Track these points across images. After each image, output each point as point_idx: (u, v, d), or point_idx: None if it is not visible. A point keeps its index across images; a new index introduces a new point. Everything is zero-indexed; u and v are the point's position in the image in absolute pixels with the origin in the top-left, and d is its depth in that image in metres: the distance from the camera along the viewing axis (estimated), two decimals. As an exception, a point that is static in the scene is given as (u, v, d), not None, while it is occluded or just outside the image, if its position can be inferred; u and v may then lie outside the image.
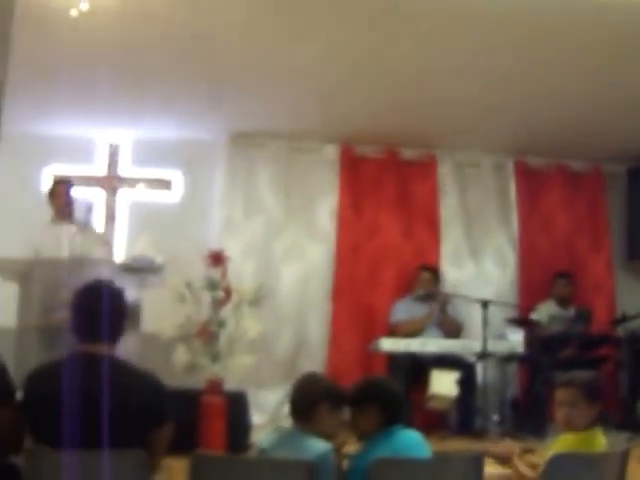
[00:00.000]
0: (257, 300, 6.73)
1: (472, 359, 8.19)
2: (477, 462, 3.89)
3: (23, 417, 3.69)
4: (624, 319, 8.79)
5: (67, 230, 7.31)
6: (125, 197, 9.22)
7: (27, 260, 6.79)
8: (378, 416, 4.09)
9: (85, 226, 7.27)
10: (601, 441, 4.17)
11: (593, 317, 9.05)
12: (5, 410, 3.69)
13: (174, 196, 9.25)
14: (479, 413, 8.02)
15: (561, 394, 4.27)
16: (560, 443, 4.12)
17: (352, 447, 4.31)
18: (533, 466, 4.18)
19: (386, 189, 9.43)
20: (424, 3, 6.18)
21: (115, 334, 3.81)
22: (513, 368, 8.86)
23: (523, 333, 8.48)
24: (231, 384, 6.75)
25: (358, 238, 9.29)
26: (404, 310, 8.81)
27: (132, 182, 9.22)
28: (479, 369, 8.14)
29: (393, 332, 8.62)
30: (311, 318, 9.17)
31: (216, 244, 7.95)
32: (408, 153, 9.56)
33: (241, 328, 6.62)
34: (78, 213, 7.46)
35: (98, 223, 8.63)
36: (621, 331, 8.97)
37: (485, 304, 8.17)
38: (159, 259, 6.91)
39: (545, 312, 8.88)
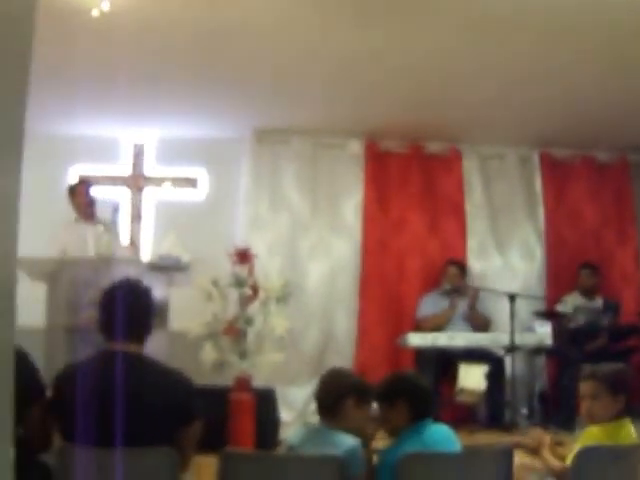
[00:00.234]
0: (284, 297, 6.73)
1: (500, 352, 8.18)
2: (506, 455, 3.87)
3: (52, 416, 3.70)
4: (652, 309, 8.76)
5: (93, 230, 7.34)
6: (151, 196, 9.25)
7: (54, 260, 6.81)
8: (407, 411, 4.07)
9: (111, 226, 7.31)
10: (629, 432, 4.15)
11: (621, 308, 8.99)
12: (35, 409, 3.70)
13: (199, 194, 9.27)
14: (508, 406, 7.99)
15: (584, 387, 4.27)
16: (586, 436, 4.11)
17: (381, 442, 4.30)
18: (562, 458, 4.17)
19: (411, 183, 9.42)
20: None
21: (143, 333, 3.83)
22: (541, 361, 8.83)
23: (551, 325, 8.44)
24: (259, 381, 6.75)
25: (384, 233, 9.28)
26: (430, 305, 8.80)
27: (157, 181, 9.25)
28: (507, 362, 8.12)
29: (418, 327, 8.60)
30: (338, 314, 9.16)
31: (242, 241, 7.96)
32: (433, 147, 9.55)
33: (269, 325, 6.62)
34: (104, 213, 7.49)
35: (124, 223, 8.66)
36: (650, 322, 8.92)
37: (512, 297, 8.14)
38: (185, 257, 6.91)
39: (570, 304, 8.85)
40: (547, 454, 4.24)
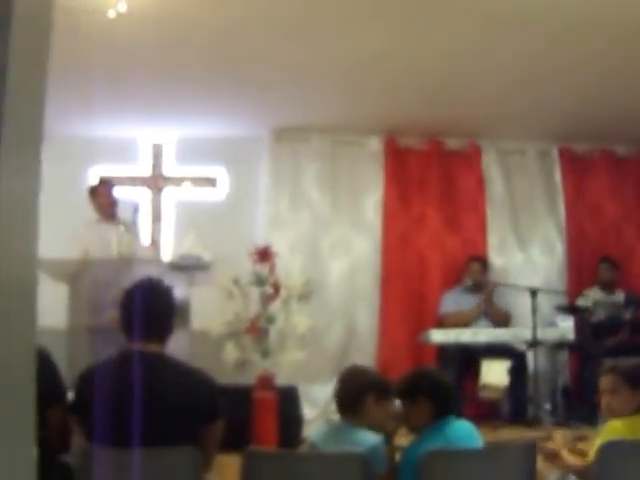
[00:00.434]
0: (306, 295, 6.73)
1: (522, 348, 8.16)
2: (530, 451, 3.86)
3: (74, 416, 3.71)
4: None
5: (114, 230, 7.36)
6: (170, 196, 9.27)
7: (76, 261, 6.83)
8: (429, 408, 4.06)
9: (132, 226, 7.33)
10: (650, 426, 4.14)
11: (643, 303, 8.96)
12: (57, 409, 3.71)
13: (219, 193, 9.28)
14: (531, 402, 7.98)
15: (603, 382, 4.27)
16: (607, 430, 4.10)
17: (404, 439, 4.30)
18: (582, 455, 4.16)
19: (431, 180, 9.41)
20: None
21: (165, 332, 3.83)
22: (564, 355, 8.80)
23: (573, 320, 8.41)
24: (282, 379, 6.76)
25: (405, 229, 9.27)
26: (453, 301, 8.79)
27: (177, 181, 9.27)
28: (530, 357, 8.11)
29: (442, 324, 8.59)
30: (360, 311, 9.16)
31: (262, 240, 7.97)
32: (452, 143, 9.53)
33: (290, 323, 6.63)
34: (124, 213, 7.51)
35: (144, 223, 8.69)
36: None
37: (534, 292, 8.12)
38: (206, 257, 6.93)
39: (592, 298, 8.82)
40: (566, 455, 4.23)
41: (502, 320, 8.63)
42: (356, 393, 4.08)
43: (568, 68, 7.37)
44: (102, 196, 7.72)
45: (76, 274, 6.65)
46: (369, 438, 3.86)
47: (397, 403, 4.26)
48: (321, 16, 6.41)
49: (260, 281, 6.69)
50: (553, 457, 4.30)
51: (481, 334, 8.14)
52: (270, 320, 6.59)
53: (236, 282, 6.66)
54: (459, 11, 6.34)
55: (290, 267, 8.43)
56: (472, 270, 8.86)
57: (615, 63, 7.26)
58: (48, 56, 1.90)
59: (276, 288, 6.68)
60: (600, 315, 8.64)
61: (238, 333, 6.56)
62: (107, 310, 6.20)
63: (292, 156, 9.29)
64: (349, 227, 9.30)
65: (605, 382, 4.26)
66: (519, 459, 3.84)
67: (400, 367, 8.05)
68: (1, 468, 1.57)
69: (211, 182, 9.29)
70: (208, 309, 6.58)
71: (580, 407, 7.93)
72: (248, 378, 6.58)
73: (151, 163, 9.25)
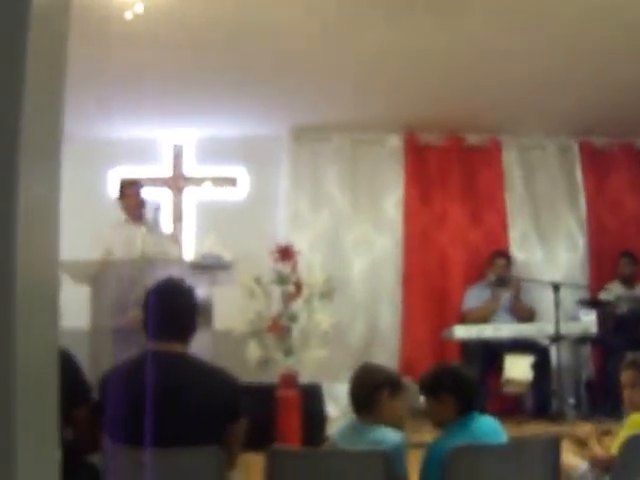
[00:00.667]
0: (328, 293, 6.74)
1: (545, 342, 8.14)
2: (554, 445, 3.85)
3: (98, 417, 3.73)
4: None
5: (138, 231, 7.38)
6: (191, 196, 9.29)
7: (96, 262, 6.85)
8: (453, 404, 4.06)
9: (155, 226, 7.35)
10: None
11: (663, 296, 8.92)
12: (81, 410, 3.73)
13: (240, 193, 9.29)
14: (555, 396, 7.96)
15: (624, 376, 4.29)
16: (630, 424, 4.11)
17: (428, 435, 4.29)
18: (608, 449, 4.16)
19: (451, 176, 9.40)
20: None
21: (187, 332, 3.84)
22: (587, 350, 8.77)
23: (595, 314, 8.39)
24: (305, 377, 6.76)
25: (426, 226, 9.27)
26: (475, 297, 8.77)
27: (198, 181, 9.29)
28: (553, 352, 8.08)
29: (464, 319, 8.58)
30: (382, 308, 9.16)
31: (283, 239, 7.97)
32: (472, 139, 9.51)
33: (313, 321, 6.63)
34: (148, 214, 7.53)
35: (166, 223, 8.71)
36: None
37: (556, 287, 8.10)
38: (228, 256, 6.93)
39: (614, 292, 8.78)
40: (594, 444, 4.23)
41: (527, 316, 8.62)
42: (370, 391, 4.09)
43: (587, 60, 7.34)
44: (130, 197, 7.72)
45: (97, 275, 6.67)
46: (390, 437, 3.85)
47: (421, 399, 4.26)
48: (340, 14, 6.41)
49: (282, 279, 6.70)
50: (582, 444, 4.31)
51: (504, 329, 8.13)
52: (292, 318, 6.60)
53: (258, 281, 6.67)
54: (473, 5, 6.34)
55: (311, 265, 8.43)
56: (497, 265, 8.83)
57: (634, 55, 7.22)
58: (66, 58, 1.91)
59: (298, 286, 6.69)
60: (622, 309, 8.60)
61: (261, 332, 6.57)
62: (130, 311, 6.21)
63: (312, 155, 9.30)
64: (370, 225, 9.30)
65: (626, 377, 4.27)
66: (543, 454, 3.83)
67: (423, 363, 8.05)
68: (25, 470, 1.57)
69: (231, 182, 9.31)
70: (230, 308, 6.58)
71: (604, 401, 7.89)
72: (271, 377, 6.59)
73: (172, 164, 9.28)
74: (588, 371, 8.79)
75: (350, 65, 7.43)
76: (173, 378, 3.60)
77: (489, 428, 4.09)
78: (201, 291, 5.85)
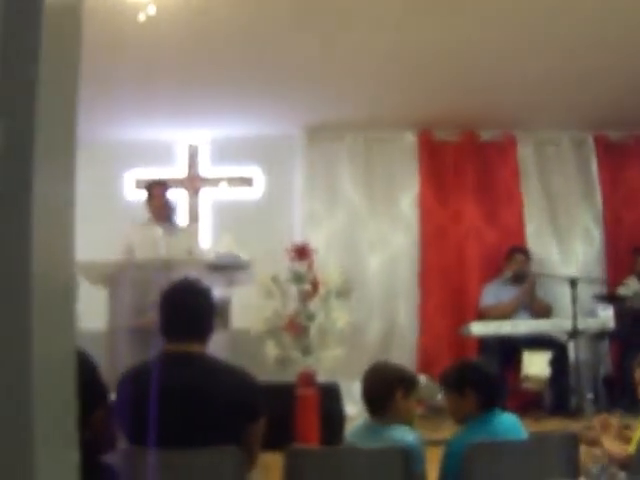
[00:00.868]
0: (345, 291, 6.74)
1: (563, 338, 8.12)
2: (572, 441, 3.84)
3: (116, 418, 3.73)
4: None
5: (161, 231, 7.42)
6: (207, 197, 9.30)
7: (114, 263, 6.86)
8: (476, 399, 4.05)
9: (176, 226, 7.41)
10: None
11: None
12: (99, 412, 3.74)
13: (255, 193, 9.30)
14: (573, 392, 7.93)
15: (637, 373, 4.26)
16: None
17: (446, 432, 4.29)
18: (629, 441, 4.14)
19: (467, 172, 9.38)
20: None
21: (205, 332, 3.83)
22: (605, 345, 8.74)
23: (613, 309, 8.36)
24: (323, 376, 6.76)
25: (442, 223, 9.26)
26: (493, 294, 8.76)
27: (214, 181, 9.31)
28: (571, 348, 8.06)
29: (483, 316, 8.56)
30: (399, 306, 9.16)
31: (300, 238, 7.98)
32: (487, 135, 9.49)
33: (330, 320, 6.63)
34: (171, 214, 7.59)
35: (183, 223, 8.73)
36: None
37: (573, 282, 8.08)
38: (244, 256, 6.93)
39: (632, 287, 8.75)
40: (608, 442, 4.21)
41: (544, 312, 8.59)
42: (384, 392, 4.06)
43: (601, 52, 7.31)
44: (156, 197, 7.74)
45: (114, 276, 6.68)
46: (406, 435, 3.85)
47: (439, 396, 4.26)
48: (352, 13, 6.41)
49: (298, 278, 6.70)
50: (594, 444, 4.29)
51: (521, 326, 8.12)
52: (309, 317, 6.60)
53: (275, 280, 6.67)
54: (492, 3, 6.33)
55: (328, 264, 8.43)
56: (516, 261, 8.80)
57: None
58: (79, 60, 1.91)
59: (314, 285, 6.69)
60: (638, 305, 8.57)
61: (278, 331, 6.57)
62: (148, 311, 6.22)
63: (326, 154, 9.32)
64: (386, 223, 9.31)
65: (638, 374, 4.26)
66: (562, 450, 3.82)
67: (441, 361, 8.06)
68: (44, 471, 1.58)
69: (247, 182, 9.33)
70: (248, 308, 6.60)
71: (622, 396, 7.87)
72: (289, 376, 6.59)
73: (187, 164, 9.30)
74: (606, 366, 8.76)
75: (363, 63, 7.43)
76: (191, 378, 3.60)
77: (510, 425, 4.08)
78: (218, 291, 5.86)
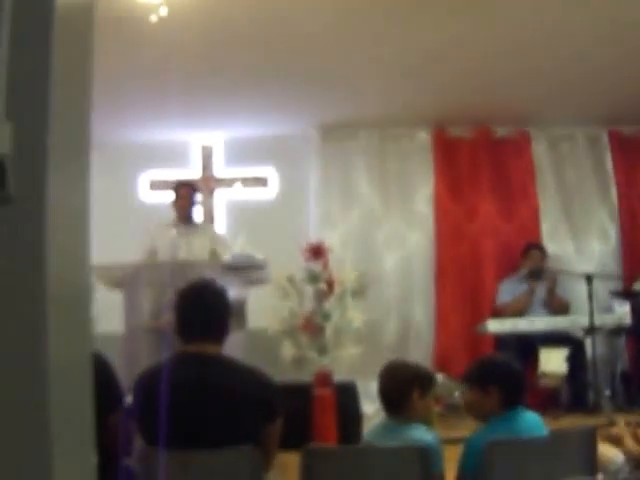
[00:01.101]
0: (360, 290, 6.73)
1: (580, 334, 8.09)
2: (590, 438, 3.82)
3: (133, 419, 3.74)
4: None
5: (185, 232, 7.46)
6: (222, 197, 9.31)
7: (129, 265, 6.87)
8: (499, 396, 4.00)
9: (200, 227, 7.47)
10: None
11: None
12: (116, 414, 3.74)
13: (270, 193, 9.31)
14: (590, 389, 7.90)
15: None
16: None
17: (464, 431, 4.26)
18: None
19: (481, 169, 9.36)
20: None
21: (221, 333, 3.83)
22: (622, 341, 8.71)
23: (629, 304, 8.33)
24: (340, 375, 6.75)
25: (457, 220, 9.24)
26: (508, 291, 8.72)
27: (228, 182, 9.32)
28: (588, 344, 8.03)
29: (499, 314, 8.53)
30: (415, 304, 9.15)
31: (315, 237, 7.97)
32: (501, 131, 9.47)
33: (346, 319, 6.62)
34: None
35: (205, 224, 8.78)
36: None
37: (589, 278, 8.04)
38: (260, 256, 6.93)
39: (648, 282, 8.74)
40: (628, 440, 4.19)
41: (562, 310, 8.55)
42: (400, 391, 4.04)
43: (613, 47, 7.28)
44: (182, 198, 7.78)
45: (130, 278, 6.68)
46: (424, 434, 3.83)
47: (456, 394, 4.24)
48: (366, 11, 6.40)
49: (314, 278, 6.70)
50: (616, 441, 4.26)
51: (538, 322, 8.09)
52: (325, 316, 6.59)
53: (290, 280, 6.67)
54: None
55: (343, 263, 8.43)
56: (533, 257, 8.76)
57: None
58: (92, 62, 1.91)
59: (330, 284, 6.68)
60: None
61: (294, 331, 6.57)
62: (164, 313, 6.23)
63: (341, 152, 9.31)
64: (401, 221, 9.29)
65: None
66: (579, 446, 3.80)
67: (458, 358, 8.06)
68: (61, 473, 1.58)
69: (261, 182, 9.33)
70: (264, 308, 6.59)
71: (639, 392, 7.86)
72: (305, 376, 6.59)
73: (201, 165, 9.31)
74: (623, 362, 8.73)
75: (376, 61, 7.42)
76: (207, 379, 3.60)
77: (532, 424, 4.02)
78: (234, 291, 5.86)
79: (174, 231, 7.55)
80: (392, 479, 3.64)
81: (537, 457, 3.71)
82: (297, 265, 6.82)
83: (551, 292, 8.55)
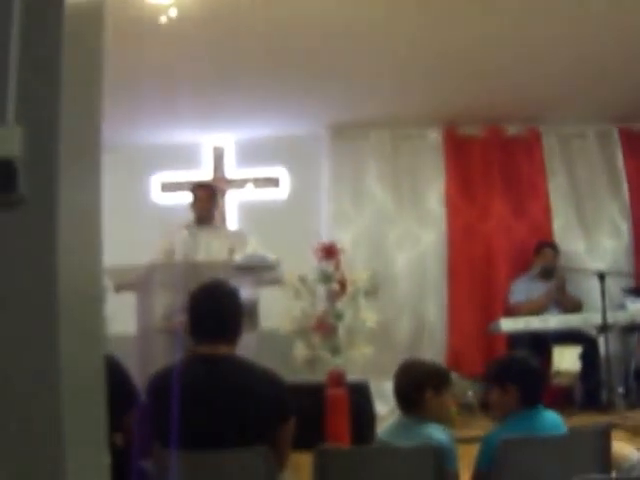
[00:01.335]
0: (372, 290, 6.73)
1: (593, 332, 8.07)
2: (604, 435, 3.82)
3: (146, 421, 3.74)
4: None
5: (204, 232, 7.47)
6: (234, 198, 9.32)
7: (142, 266, 6.88)
8: (519, 395, 3.99)
9: (217, 228, 7.49)
10: None
11: None
12: (129, 416, 3.75)
13: (282, 193, 9.31)
14: (604, 386, 7.88)
15: None
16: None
17: (479, 430, 4.26)
18: None
19: (493, 167, 9.34)
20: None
21: (233, 334, 3.84)
22: (635, 338, 8.69)
23: (642, 302, 8.33)
24: (353, 375, 6.76)
25: (469, 219, 9.22)
26: (522, 290, 8.70)
27: (240, 183, 9.32)
28: (601, 342, 8.01)
29: (513, 313, 8.51)
30: (428, 303, 9.13)
31: (327, 237, 7.98)
32: (512, 129, 9.45)
33: (358, 319, 6.62)
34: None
35: (222, 225, 8.81)
36: None
37: (602, 276, 8.03)
38: (272, 256, 6.94)
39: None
40: None
41: (574, 308, 8.53)
42: (415, 389, 4.03)
43: (622, 43, 7.26)
44: (201, 200, 7.77)
45: (143, 280, 6.69)
46: (439, 433, 3.83)
47: (469, 393, 4.23)
48: (376, 11, 6.39)
49: (326, 278, 6.70)
50: (636, 432, 4.26)
51: (551, 321, 8.07)
52: (338, 316, 6.60)
53: (303, 280, 6.68)
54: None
55: (355, 263, 8.43)
56: (545, 255, 8.74)
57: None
58: (103, 65, 1.92)
59: (342, 284, 6.68)
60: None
61: (307, 331, 6.57)
62: (177, 314, 6.23)
63: (352, 152, 9.30)
64: (413, 220, 9.28)
65: None
66: (594, 444, 3.79)
67: (471, 357, 8.04)
68: (74, 475, 1.58)
69: (273, 182, 9.33)
70: (276, 308, 6.60)
71: (652, 390, 7.86)
72: (318, 376, 6.59)
73: (212, 167, 9.31)
74: (636, 360, 8.70)
75: (387, 60, 7.41)
76: (221, 380, 3.61)
77: (552, 423, 4.00)
78: (246, 292, 5.85)
79: (192, 232, 7.56)
80: (406, 479, 3.64)
81: (551, 455, 3.71)
82: (309, 265, 6.82)
83: (561, 290, 8.53)
